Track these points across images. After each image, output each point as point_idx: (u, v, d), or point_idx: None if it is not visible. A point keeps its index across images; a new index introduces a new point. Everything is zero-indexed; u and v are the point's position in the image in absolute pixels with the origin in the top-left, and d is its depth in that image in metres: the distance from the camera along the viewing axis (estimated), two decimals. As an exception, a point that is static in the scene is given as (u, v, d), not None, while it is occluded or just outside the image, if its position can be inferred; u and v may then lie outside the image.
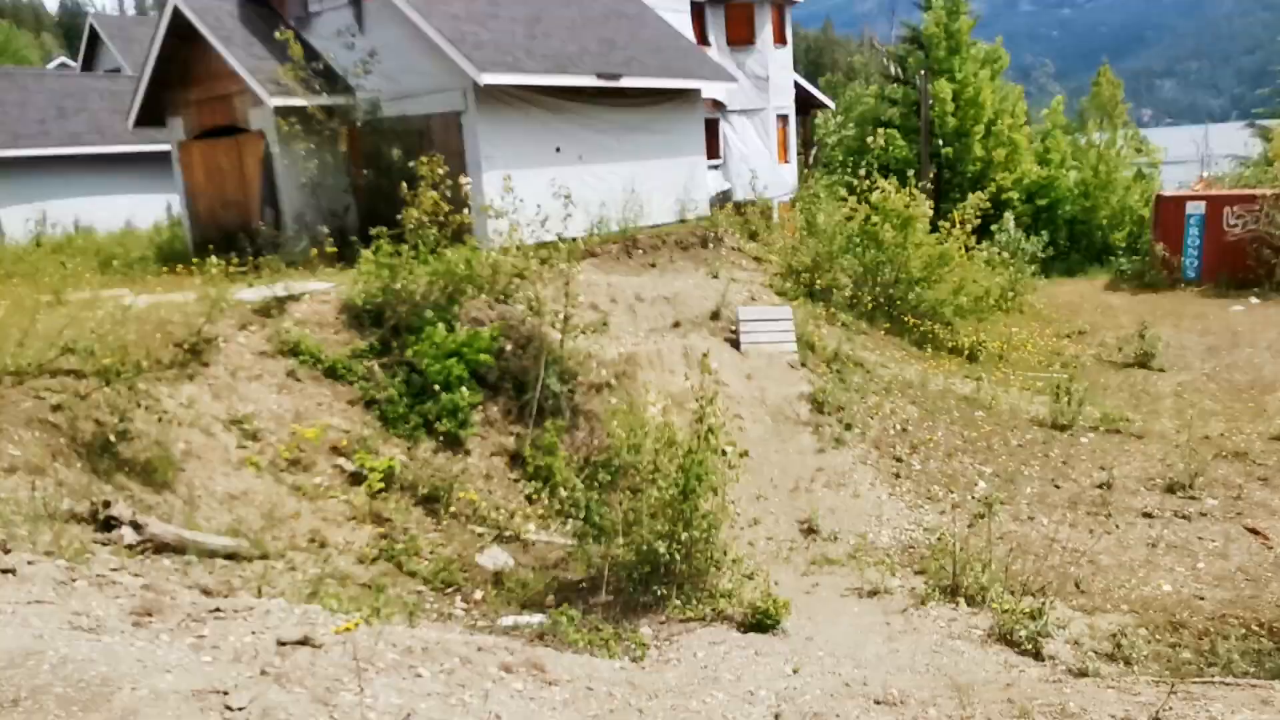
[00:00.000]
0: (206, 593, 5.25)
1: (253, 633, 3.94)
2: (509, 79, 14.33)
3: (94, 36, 29.13)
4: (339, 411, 10.64)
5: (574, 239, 12.28)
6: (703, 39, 24.96)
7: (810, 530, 9.93)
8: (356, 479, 9.79)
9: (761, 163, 26.02)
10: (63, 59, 36.96)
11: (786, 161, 27.39)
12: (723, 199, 24.78)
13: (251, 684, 3.24)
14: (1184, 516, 10.25)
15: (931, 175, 30.17)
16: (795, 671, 6.25)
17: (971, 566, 8.32)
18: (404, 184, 11.80)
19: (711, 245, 17.80)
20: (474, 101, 14.48)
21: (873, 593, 8.37)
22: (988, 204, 17.08)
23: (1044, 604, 7.33)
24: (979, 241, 24.07)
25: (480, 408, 11.39)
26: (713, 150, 25.21)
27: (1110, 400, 14.80)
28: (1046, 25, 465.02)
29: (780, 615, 7.31)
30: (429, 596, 8.37)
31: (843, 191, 21.42)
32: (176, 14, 15.87)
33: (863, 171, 17.34)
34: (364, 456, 9.93)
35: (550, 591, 8.48)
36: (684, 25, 23.94)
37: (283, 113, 15.13)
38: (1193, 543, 9.65)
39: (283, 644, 3.70)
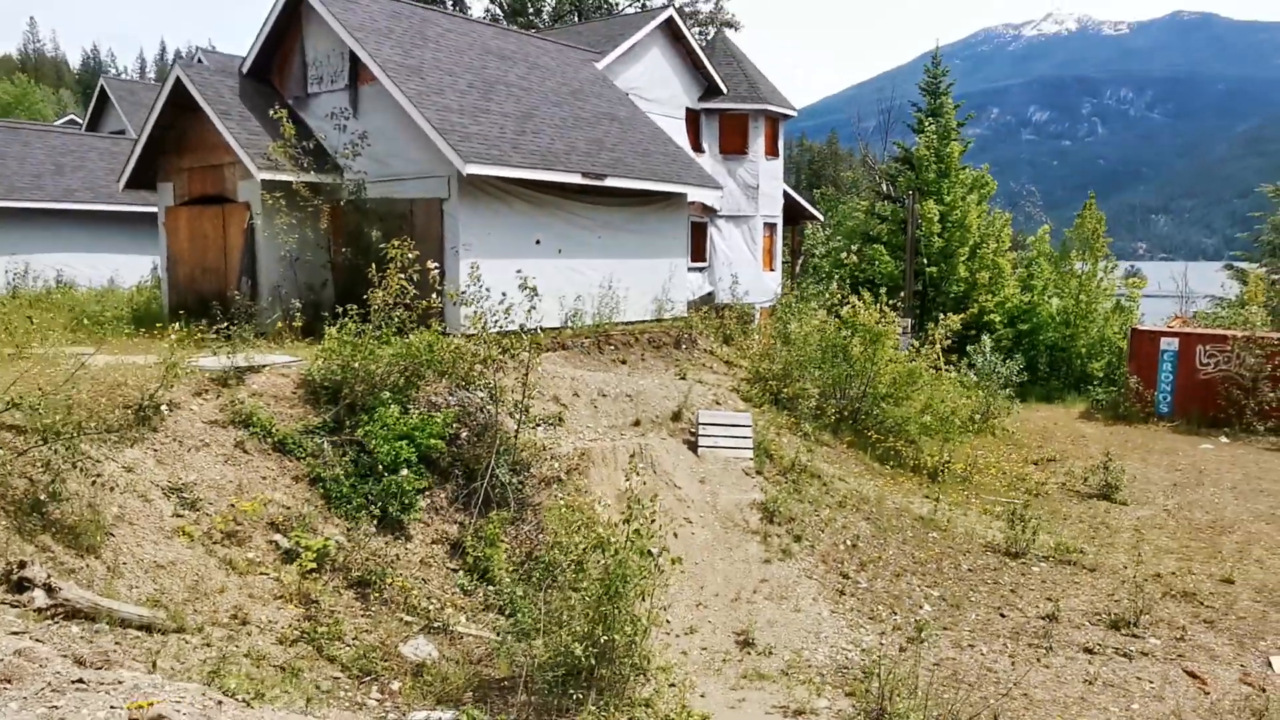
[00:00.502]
0: (80, 663, 5.13)
1: (110, 707, 3.85)
2: (493, 171, 14.70)
3: (103, 97, 29.92)
4: (283, 487, 10.56)
5: (539, 330, 12.36)
6: (697, 146, 25.76)
7: (746, 643, 9.77)
8: (291, 556, 9.67)
9: (746, 269, 26.52)
10: (73, 116, 37.82)
11: (772, 269, 27.89)
12: (705, 301, 25.16)
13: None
14: (1125, 655, 10.12)
15: (915, 293, 30.73)
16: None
17: (899, 693, 8.16)
18: (374, 265, 11.95)
19: (684, 346, 17.97)
20: (457, 190, 14.82)
21: (798, 713, 8.20)
22: (959, 326, 17.27)
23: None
24: (956, 362, 24.46)
25: (428, 493, 11.33)
26: (699, 253, 25.76)
27: (1068, 530, 14.75)
28: (1047, 155, 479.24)
29: (693, 729, 7.13)
30: (345, 684, 8.16)
31: (820, 303, 21.80)
32: (178, 84, 16.34)
33: (834, 285, 17.64)
34: (300, 534, 9.82)
35: (469, 688, 8.28)
36: (679, 132, 24.74)
37: (269, 186, 15.46)
38: (1130, 683, 9.50)
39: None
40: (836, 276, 31.75)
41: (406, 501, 10.75)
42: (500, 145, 15.31)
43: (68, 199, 24.21)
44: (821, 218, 31.73)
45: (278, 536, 9.92)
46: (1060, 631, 10.63)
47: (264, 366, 12.19)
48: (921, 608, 11.04)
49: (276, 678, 7.84)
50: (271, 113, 15.28)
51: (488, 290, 12.23)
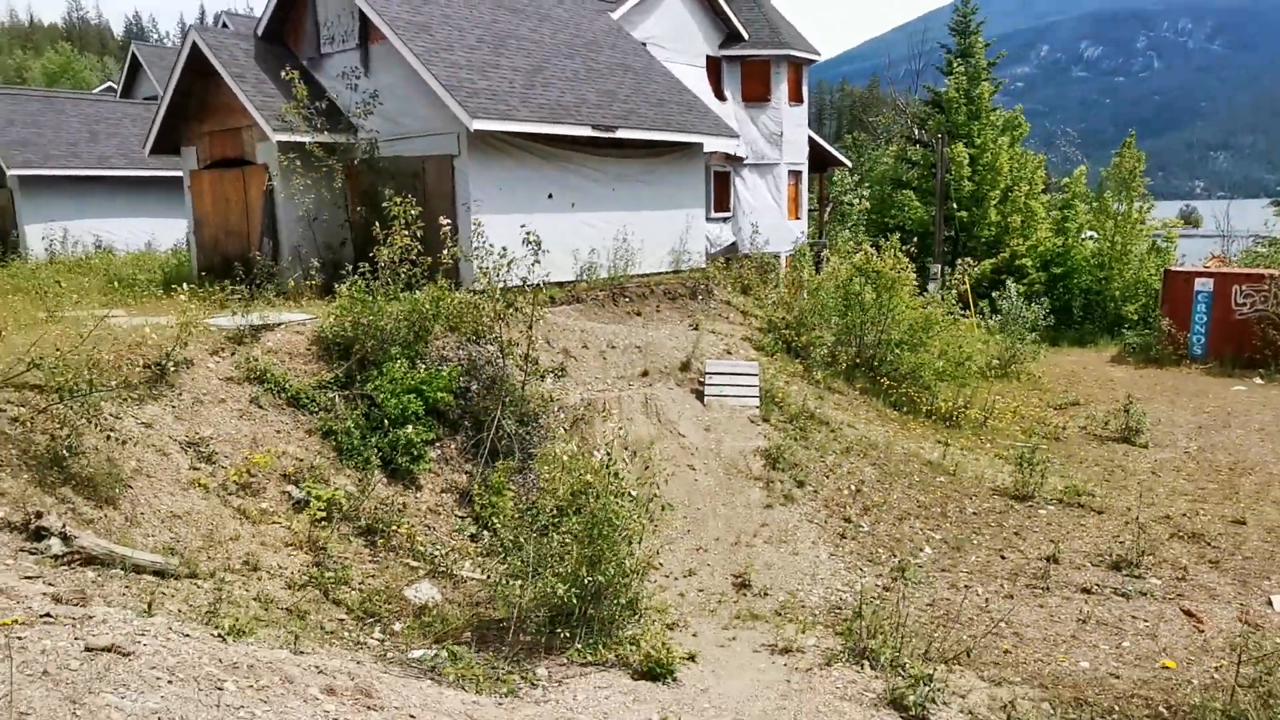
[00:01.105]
0: (56, 600, 5.50)
1: (75, 638, 4.18)
2: (501, 126, 14.79)
3: (135, 63, 30.40)
4: (297, 440, 10.96)
5: (543, 284, 12.54)
6: (719, 94, 25.51)
7: (743, 585, 10.00)
8: (302, 506, 10.07)
9: (771, 217, 26.36)
10: (111, 84, 38.45)
11: (797, 217, 27.68)
12: (730, 251, 25.11)
13: (28, 683, 3.47)
14: (1123, 594, 10.17)
15: (947, 238, 30.31)
16: (664, 719, 6.35)
17: (883, 630, 8.34)
18: (379, 223, 12.19)
19: (701, 297, 18.04)
20: (466, 146, 14.95)
21: (785, 650, 8.42)
22: (983, 271, 17.10)
23: (934, 671, 7.35)
24: (987, 308, 24.21)
25: (437, 444, 11.68)
26: (723, 203, 25.65)
27: (1083, 474, 14.71)
28: (1099, 93, 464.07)
29: (674, 665, 7.40)
30: (349, 625, 8.56)
31: (848, 249, 21.67)
32: (195, 49, 16.62)
33: (856, 233, 17.54)
34: (311, 485, 10.22)
35: (469, 628, 8.63)
36: (699, 80, 24.51)
37: (285, 148, 15.73)
38: (1124, 621, 9.57)
39: (89, 649, 3.93)
40: (864, 223, 31.46)
41: (415, 453, 11.10)
42: (509, 100, 15.38)
43: (103, 165, 24.78)
44: (850, 164, 31.33)
45: (290, 488, 10.33)
46: (1060, 573, 10.71)
47: (279, 325, 12.55)
48: (922, 550, 11.17)
49: (282, 618, 8.27)
50: (283, 74, 15.49)
51: (491, 246, 12.41)
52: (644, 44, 22.57)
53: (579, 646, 7.69)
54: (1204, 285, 23.66)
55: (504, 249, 12.35)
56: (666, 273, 18.64)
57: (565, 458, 8.18)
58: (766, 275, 19.43)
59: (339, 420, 11.16)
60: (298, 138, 15.71)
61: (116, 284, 17.84)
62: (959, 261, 17.42)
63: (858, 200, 28.26)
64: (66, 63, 74.60)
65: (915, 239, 30.57)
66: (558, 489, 8.15)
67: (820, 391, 15.11)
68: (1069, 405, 19.55)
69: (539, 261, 11.95)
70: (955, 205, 29.59)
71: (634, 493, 7.93)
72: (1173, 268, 25.20)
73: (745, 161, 25.84)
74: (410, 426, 11.08)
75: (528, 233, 12.10)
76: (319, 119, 15.75)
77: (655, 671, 7.32)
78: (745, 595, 9.83)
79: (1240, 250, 30.76)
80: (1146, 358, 24.38)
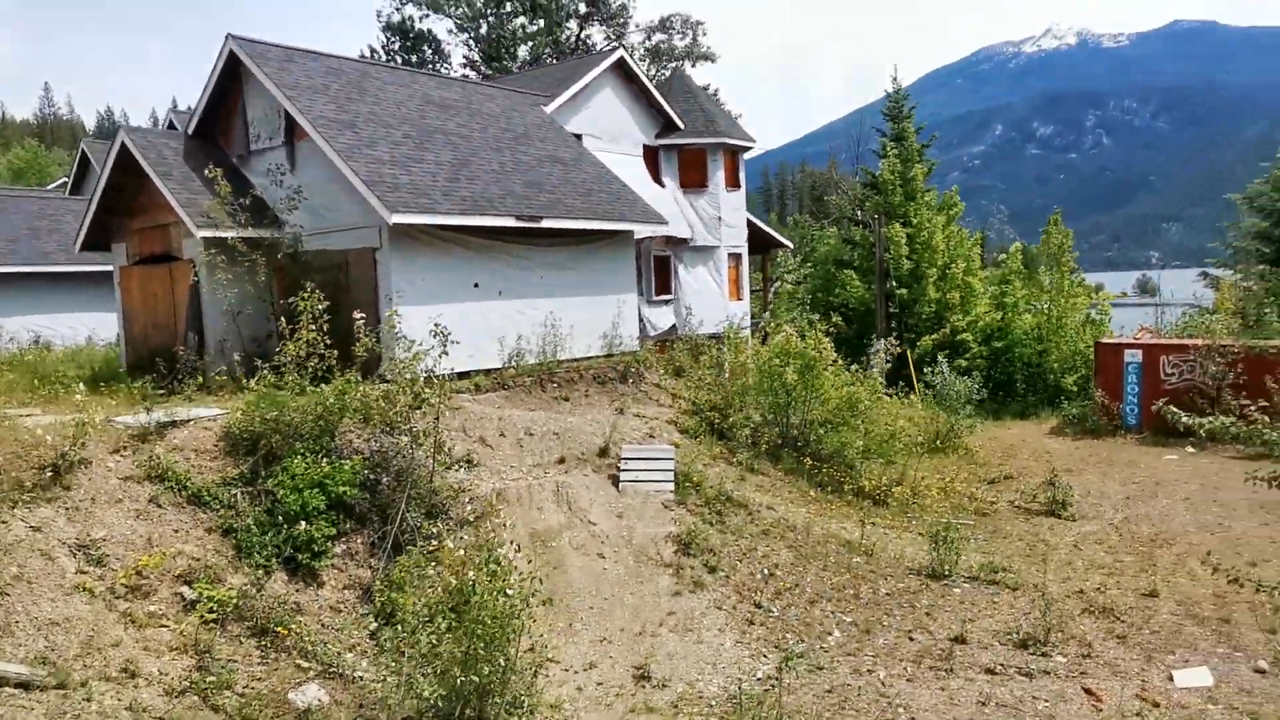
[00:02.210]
0: None
1: None
2: (421, 219, 15.03)
3: (84, 160, 30.70)
4: (195, 539, 10.79)
5: (447, 375, 12.59)
6: (657, 181, 26.14)
7: (643, 676, 9.86)
8: (194, 608, 9.88)
9: (712, 300, 26.77)
10: (64, 179, 38.71)
11: (739, 299, 28.11)
12: (672, 333, 25.40)
13: None
14: (1026, 674, 10.14)
15: (889, 316, 30.85)
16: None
17: (771, 721, 8.24)
18: (283, 319, 12.28)
19: (631, 381, 18.17)
20: (387, 239, 15.16)
21: (671, 745, 8.29)
22: (921, 346, 17.36)
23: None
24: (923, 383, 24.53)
25: (344, 539, 11.54)
26: (665, 287, 26.05)
27: (1005, 549, 14.79)
28: (1052, 169, 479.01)
29: (546, 767, 7.25)
30: (225, 733, 8.35)
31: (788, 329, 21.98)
32: (123, 148, 16.86)
33: (790, 314, 17.79)
34: (205, 585, 10.04)
35: (352, 732, 8.43)
36: (637, 169, 25.13)
37: (210, 244, 15.86)
38: (1025, 702, 9.52)
39: None
40: (808, 303, 31.98)
41: (316, 549, 10.95)
42: (430, 194, 15.66)
43: (44, 261, 24.80)
44: (791, 246, 31.98)
45: (183, 589, 10.13)
46: (966, 653, 10.67)
47: (188, 421, 12.49)
48: (831, 634, 11.11)
49: (154, 729, 8.05)
50: (207, 172, 15.71)
51: (405, 337, 12.51)
52: (579, 136, 23.18)
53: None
54: (1133, 356, 24.17)
55: (415, 341, 12.43)
56: (598, 357, 18.80)
57: (445, 555, 8.13)
58: (699, 358, 19.61)
59: (240, 517, 11.03)
60: (222, 233, 15.87)
61: (38, 381, 17.71)
62: (884, 341, 17.66)
63: (796, 281, 28.71)
64: (32, 158, 75.14)
65: (856, 318, 31.30)
66: (435, 588, 8.07)
67: (742, 473, 15.16)
68: (1002, 479, 19.72)
69: (446, 353, 12.05)
70: (895, 283, 30.19)
71: (510, 591, 7.84)
72: (1104, 340, 25.72)
73: (687, 245, 26.34)
74: (312, 522, 10.96)
75: (435, 325, 12.21)
76: (243, 215, 15.94)
77: (523, 776, 7.16)
78: (644, 687, 9.69)
79: (1178, 318, 31.47)
80: (1083, 429, 24.73)
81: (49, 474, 10.54)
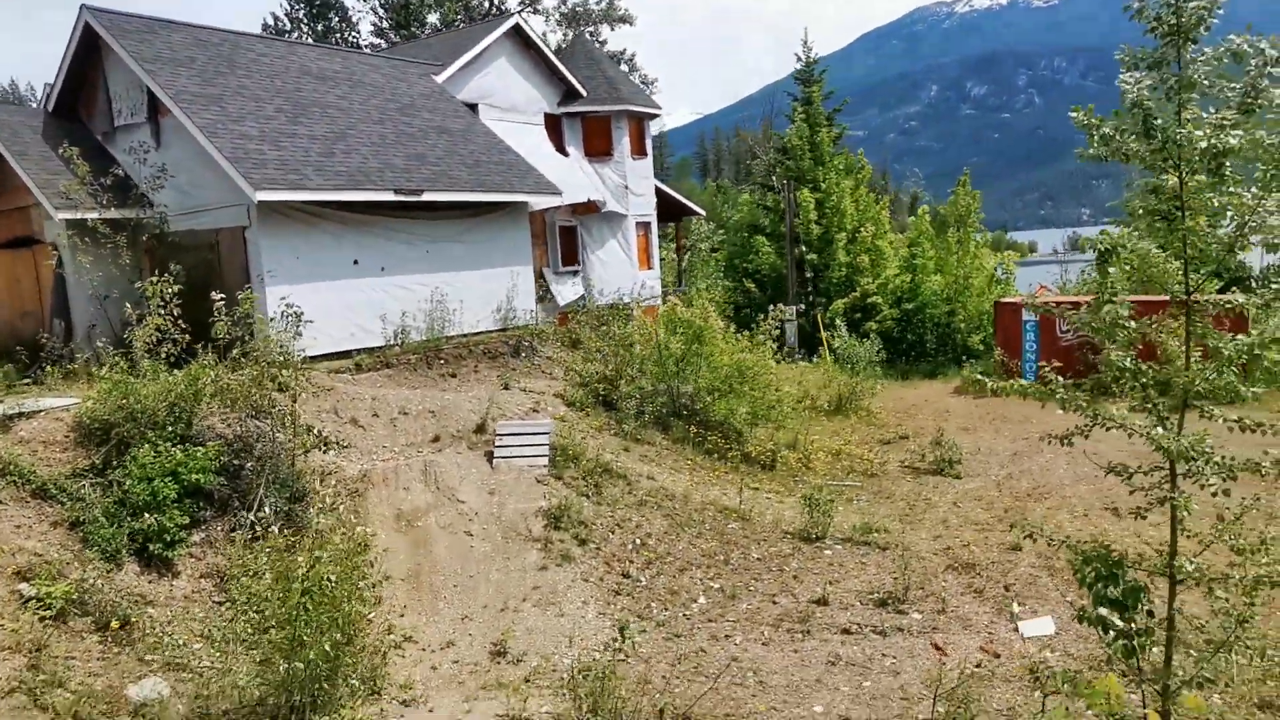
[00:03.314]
0: None
1: None
2: (290, 196, 14.64)
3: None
4: (39, 534, 10.45)
5: (303, 357, 12.34)
6: (561, 149, 25.81)
7: (499, 653, 9.84)
8: (31, 604, 9.58)
9: (621, 269, 26.63)
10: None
11: (649, 267, 28.03)
12: (581, 304, 25.23)
13: None
14: (880, 632, 10.34)
15: (801, 281, 31.06)
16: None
17: (610, 692, 8.26)
18: (129, 306, 11.88)
19: (524, 354, 18.02)
20: (256, 217, 14.74)
21: (516, 718, 8.28)
22: (832, 310, 17.44)
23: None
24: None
25: (203, 527, 11.29)
26: (571, 257, 25.83)
27: (887, 509, 15.04)
28: (988, 128, 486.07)
29: (366, 750, 7.19)
30: (53, 732, 8.13)
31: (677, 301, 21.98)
32: (-23, 128, 16.09)
33: (691, 283, 17.74)
34: (43, 582, 9.74)
35: (187, 725, 8.26)
36: (539, 138, 24.78)
37: (72, 225, 15.28)
38: (874, 660, 9.71)
39: None
40: (722, 269, 32.04)
41: (169, 539, 10.69)
42: (301, 169, 15.24)
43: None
44: (703, 212, 31.94)
45: (22, 585, 9.82)
46: (826, 614, 10.83)
47: (38, 412, 12.06)
48: (696, 601, 11.19)
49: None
50: (61, 151, 15.08)
51: (273, 317, 12.23)
52: (474, 105, 22.77)
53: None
54: (1030, 315, 24.65)
55: (284, 322, 12.14)
56: (492, 331, 18.61)
57: (270, 540, 7.97)
58: (599, 329, 19.49)
59: (88, 509, 10.70)
60: (83, 215, 15.31)
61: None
62: (777, 308, 17.72)
63: (711, 248, 28.70)
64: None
65: (770, 283, 31.43)
66: (264, 575, 7.93)
67: (627, 443, 15.16)
68: (898, 440, 20.02)
69: (300, 333, 11.79)
70: (805, 248, 30.36)
71: (331, 577, 7.71)
72: (1003, 299, 26.21)
73: (594, 214, 26.11)
74: (164, 512, 10.69)
75: (287, 306, 11.93)
76: (105, 195, 15.38)
77: (344, 758, 7.10)
78: (499, 663, 9.67)
79: (1080, 274, 32.21)
80: (985, 387, 25.19)
81: (-124, 473, 10.09)
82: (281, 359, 11.71)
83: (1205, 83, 5.54)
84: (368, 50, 28.30)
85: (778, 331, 17.48)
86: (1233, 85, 5.56)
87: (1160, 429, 6.18)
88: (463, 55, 22.52)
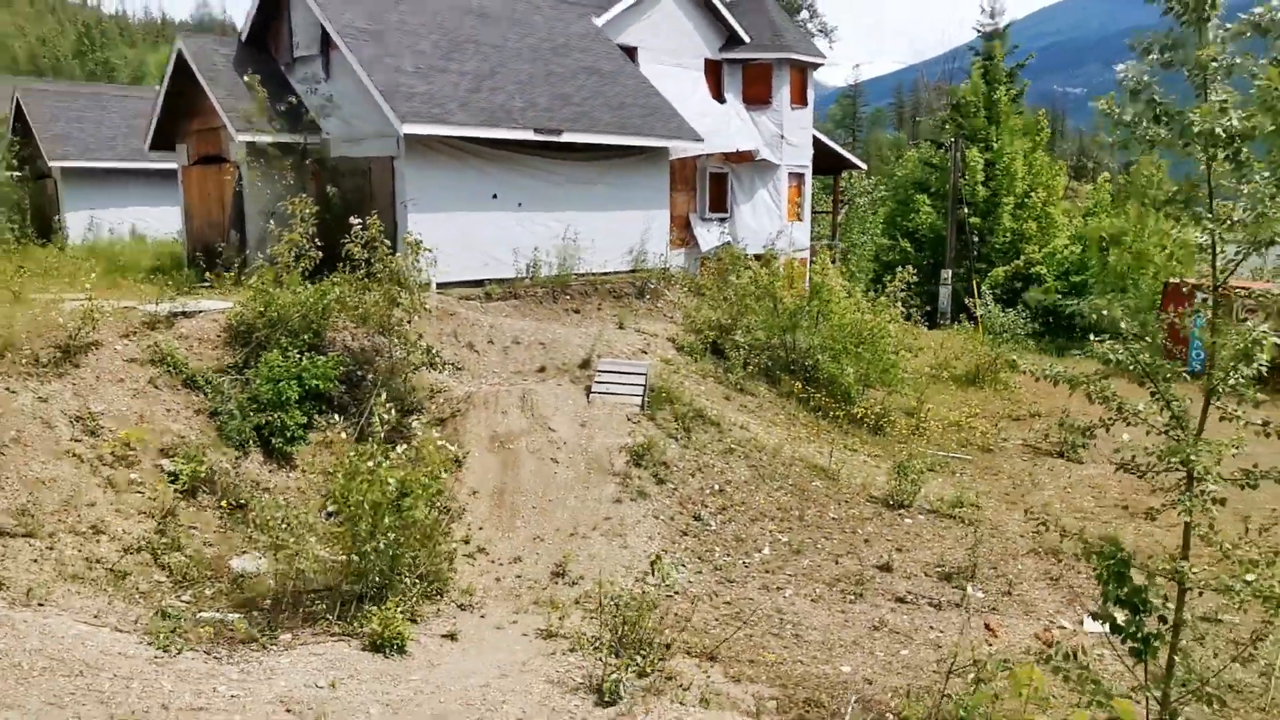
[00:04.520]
0: None
1: None
2: (433, 130, 15.56)
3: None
4: (184, 419, 11.95)
5: (430, 282, 13.29)
6: (718, 96, 25.76)
7: (559, 574, 10.50)
8: (173, 479, 11.04)
9: (770, 219, 26.49)
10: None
11: (800, 219, 27.71)
12: (727, 250, 25.35)
13: None
14: (935, 604, 10.30)
15: (961, 243, 29.86)
16: (332, 685, 6.98)
17: (642, 623, 8.72)
18: (271, 219, 13.11)
19: (649, 296, 18.49)
20: (403, 149, 15.77)
21: (550, 635, 8.93)
22: (914, 277, 17.04)
23: (644, 660, 7.77)
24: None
25: (323, 428, 12.52)
26: (720, 204, 25.90)
27: (989, 485, 14.66)
28: (1241, 87, 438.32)
29: (404, 641, 8.02)
30: (165, 586, 9.46)
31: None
32: (179, 55, 17.93)
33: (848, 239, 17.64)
34: (182, 461, 11.17)
35: (269, 596, 9.39)
36: (697, 83, 24.83)
37: (250, 147, 16.87)
38: (919, 630, 9.73)
39: None
40: (880, 226, 31.22)
41: (289, 435, 11.96)
42: (446, 104, 16.13)
43: (139, 158, 26.59)
44: (864, 166, 31.05)
45: (164, 461, 11.32)
46: (887, 581, 10.86)
47: (198, 312, 13.62)
48: (761, 551, 11.46)
49: (103, 578, 9.24)
50: (245, 78, 16.60)
51: (413, 239, 13.29)
52: (634, 48, 23.07)
53: (327, 619, 8.42)
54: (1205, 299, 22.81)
55: (427, 247, 13.14)
56: (622, 272, 19.15)
57: (337, 447, 8.87)
58: (723, 276, 19.63)
59: (225, 402, 12.11)
60: (261, 138, 16.84)
61: (115, 269, 19.41)
62: (902, 270, 17.31)
63: (871, 204, 28.02)
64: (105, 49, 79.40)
65: (928, 244, 30.38)
66: (338, 475, 8.87)
67: (730, 392, 15.41)
68: (1029, 416, 19.23)
69: (421, 262, 12.69)
70: (969, 210, 29.08)
71: (390, 483, 8.53)
72: (1173, 280, 24.33)
73: (746, 162, 26.00)
74: (286, 411, 11.95)
75: (419, 234, 12.83)
76: (279, 120, 16.84)
77: (383, 645, 7.94)
78: (557, 583, 10.34)
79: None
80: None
81: (60, 353, 11.80)
82: (400, 283, 12.64)
83: (1221, 63, 5.24)
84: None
85: (903, 293, 17.05)
86: (1260, 63, 5.23)
87: (1179, 429, 5.94)
88: (625, -2, 22.77)
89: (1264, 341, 5.28)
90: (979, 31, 31.50)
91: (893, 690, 8.45)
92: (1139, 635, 6.28)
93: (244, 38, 18.92)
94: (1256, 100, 5.16)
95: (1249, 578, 5.49)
